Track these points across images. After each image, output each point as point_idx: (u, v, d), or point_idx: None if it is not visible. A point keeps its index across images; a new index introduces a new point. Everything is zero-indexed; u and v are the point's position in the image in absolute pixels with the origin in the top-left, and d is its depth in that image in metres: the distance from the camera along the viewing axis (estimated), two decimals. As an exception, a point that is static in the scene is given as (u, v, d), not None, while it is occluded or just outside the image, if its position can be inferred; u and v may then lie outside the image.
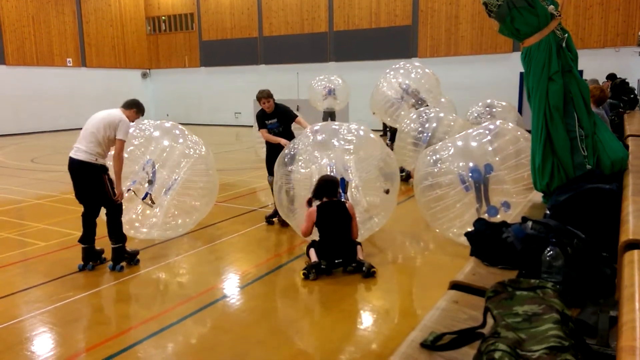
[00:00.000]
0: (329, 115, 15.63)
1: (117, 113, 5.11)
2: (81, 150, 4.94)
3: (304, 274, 4.79)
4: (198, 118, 24.86)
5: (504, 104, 12.34)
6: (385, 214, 5.86)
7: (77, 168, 4.97)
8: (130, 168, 5.67)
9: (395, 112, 10.07)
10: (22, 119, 21.01)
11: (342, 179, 5.41)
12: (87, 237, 5.12)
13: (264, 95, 6.45)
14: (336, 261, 4.95)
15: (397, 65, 10.65)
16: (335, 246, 5.01)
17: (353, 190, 5.62)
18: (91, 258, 5.16)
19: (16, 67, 20.85)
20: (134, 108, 5.24)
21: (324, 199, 5.07)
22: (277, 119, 6.58)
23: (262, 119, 6.60)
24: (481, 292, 1.81)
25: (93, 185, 4.98)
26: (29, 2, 21.25)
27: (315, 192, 5.12)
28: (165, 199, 5.74)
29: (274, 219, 6.64)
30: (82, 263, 5.15)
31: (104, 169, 5.00)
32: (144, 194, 5.69)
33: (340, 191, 5.28)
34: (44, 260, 5.57)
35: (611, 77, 12.19)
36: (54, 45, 22.24)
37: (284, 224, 6.35)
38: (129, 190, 5.61)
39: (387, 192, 5.73)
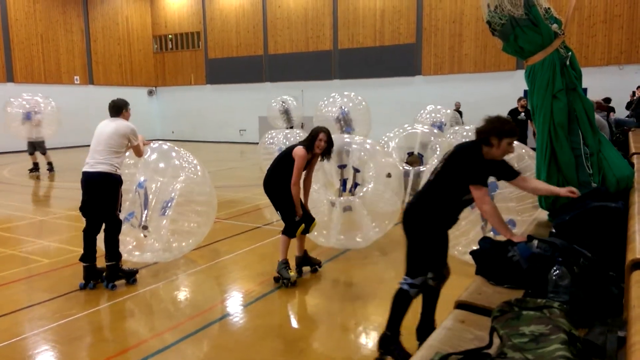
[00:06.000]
0: (34, 146, 12.72)
1: (123, 122, 5.23)
2: (100, 162, 4.98)
3: (283, 282, 4.97)
4: (203, 135, 25.00)
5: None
6: (381, 229, 6.06)
7: (96, 180, 4.99)
8: (125, 186, 5.65)
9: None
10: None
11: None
12: (88, 255, 5.12)
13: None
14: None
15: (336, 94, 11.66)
16: None
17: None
18: (92, 277, 5.14)
19: (24, 85, 21.07)
20: (123, 109, 5.29)
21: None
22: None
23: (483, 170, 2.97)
24: (487, 312, 1.79)
25: (106, 197, 5.03)
26: (38, 20, 21.57)
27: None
28: (162, 220, 5.62)
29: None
30: (83, 282, 5.13)
31: (120, 181, 5.12)
32: (138, 224, 5.65)
33: None
34: (47, 277, 5.56)
35: None
36: (61, 63, 22.51)
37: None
38: (127, 218, 5.61)
39: (389, 175, 6.16)
